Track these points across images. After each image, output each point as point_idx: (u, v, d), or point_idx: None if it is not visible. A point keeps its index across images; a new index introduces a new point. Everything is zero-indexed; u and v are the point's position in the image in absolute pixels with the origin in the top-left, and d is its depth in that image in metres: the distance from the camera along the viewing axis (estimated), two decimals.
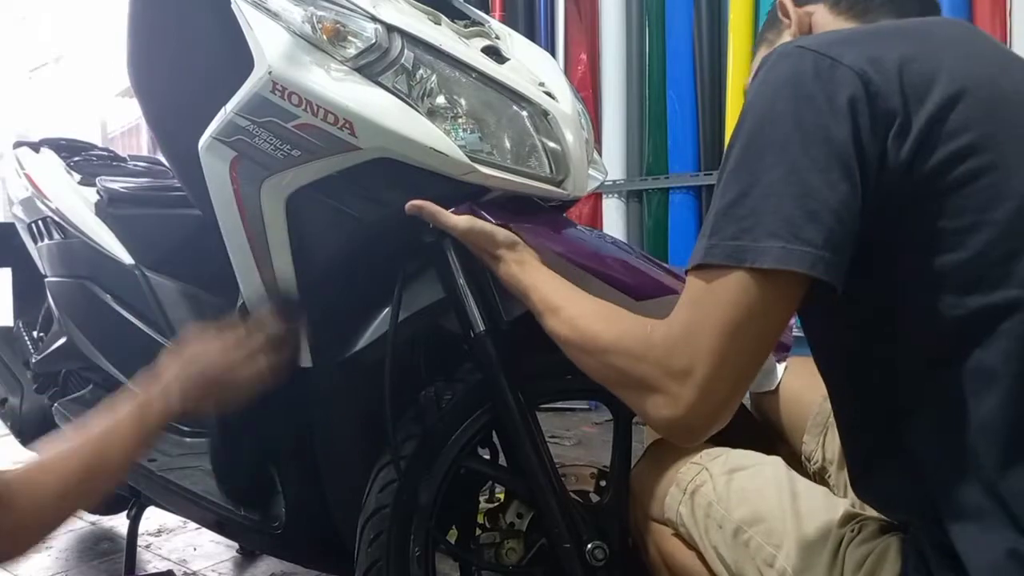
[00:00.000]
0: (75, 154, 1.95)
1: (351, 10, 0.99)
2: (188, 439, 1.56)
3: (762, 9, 2.84)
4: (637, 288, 0.97)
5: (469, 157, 0.99)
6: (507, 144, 1.04)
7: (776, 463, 0.91)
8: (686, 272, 0.71)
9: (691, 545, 0.92)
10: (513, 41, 1.25)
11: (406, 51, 0.99)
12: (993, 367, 0.65)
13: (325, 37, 0.97)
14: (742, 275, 0.65)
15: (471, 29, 1.18)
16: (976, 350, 0.65)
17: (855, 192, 0.65)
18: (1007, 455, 0.65)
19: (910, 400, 0.70)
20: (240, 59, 0.98)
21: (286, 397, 1.14)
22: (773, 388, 1.14)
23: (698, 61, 3.05)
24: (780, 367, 1.13)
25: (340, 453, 1.15)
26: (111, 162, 2.00)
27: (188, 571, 1.83)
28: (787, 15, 0.88)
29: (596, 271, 0.97)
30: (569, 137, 1.08)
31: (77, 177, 1.79)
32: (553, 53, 3.25)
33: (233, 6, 1.01)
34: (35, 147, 1.96)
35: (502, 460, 1.15)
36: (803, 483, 0.88)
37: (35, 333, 2.07)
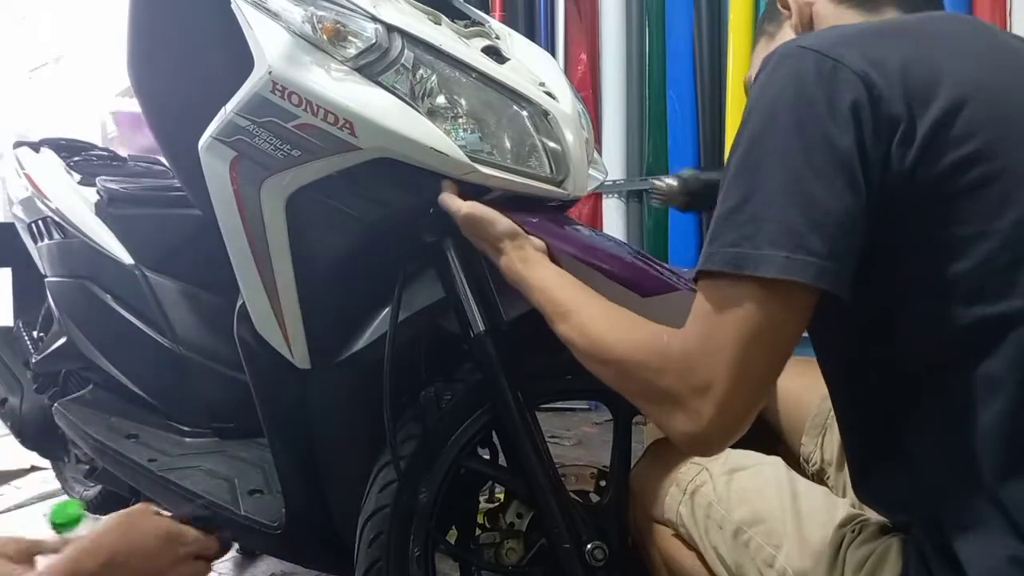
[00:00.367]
0: (75, 154, 1.95)
1: (351, 10, 0.99)
2: (188, 439, 1.57)
3: (762, 9, 2.83)
4: (642, 284, 0.95)
5: (469, 157, 0.99)
6: (507, 144, 1.04)
7: (776, 463, 0.91)
8: (694, 280, 0.70)
9: (691, 545, 0.92)
10: (513, 41, 1.25)
11: (406, 51, 0.99)
12: (997, 376, 0.64)
13: (325, 37, 0.97)
14: (750, 287, 0.64)
15: (471, 29, 1.18)
16: (979, 359, 0.65)
17: (859, 200, 0.64)
18: (1009, 463, 0.64)
19: (910, 405, 0.69)
20: (240, 59, 0.98)
21: (286, 397, 1.15)
22: None
23: (698, 61, 3.04)
24: None
25: (340, 453, 1.15)
26: (111, 162, 2.01)
27: None
28: (787, 6, 0.86)
29: (601, 268, 0.96)
30: (569, 137, 1.08)
31: (77, 177, 1.80)
32: (553, 53, 3.25)
33: (233, 6, 1.01)
34: (35, 147, 1.96)
35: (502, 460, 1.15)
36: (803, 483, 0.88)
37: (35, 333, 2.08)
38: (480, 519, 1.17)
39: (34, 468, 2.60)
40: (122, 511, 0.87)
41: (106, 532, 0.83)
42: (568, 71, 3.28)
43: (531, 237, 0.96)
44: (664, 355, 0.70)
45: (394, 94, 0.98)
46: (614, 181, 3.22)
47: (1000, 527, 0.64)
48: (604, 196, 3.30)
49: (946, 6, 0.87)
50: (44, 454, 2.14)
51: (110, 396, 1.66)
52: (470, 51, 1.07)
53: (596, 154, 1.28)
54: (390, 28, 0.99)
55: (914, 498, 0.70)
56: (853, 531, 0.78)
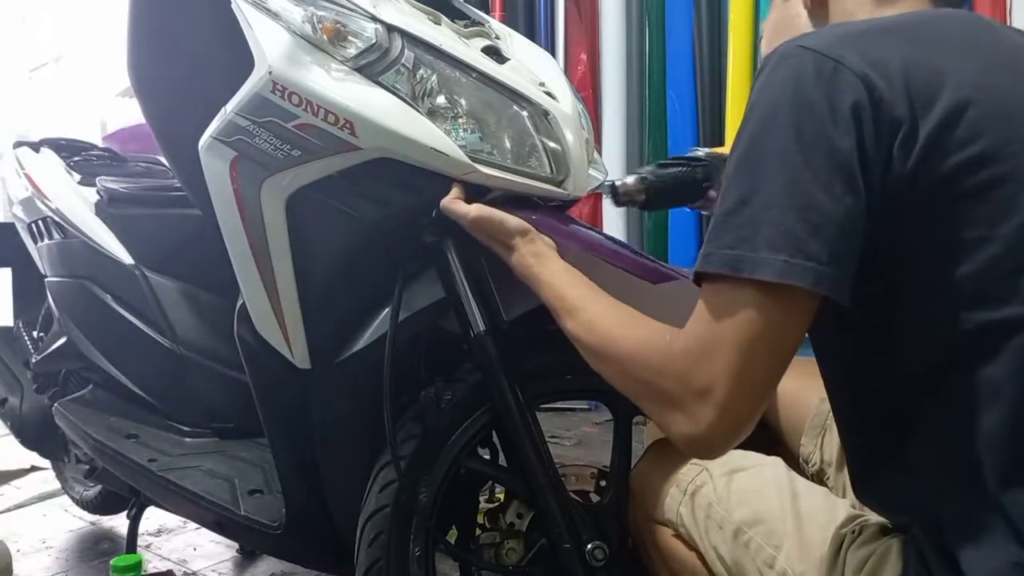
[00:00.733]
0: (75, 154, 1.95)
1: (351, 10, 0.99)
2: (188, 439, 1.56)
3: (762, 9, 2.83)
4: (650, 273, 0.95)
5: (469, 157, 0.99)
6: (507, 144, 1.04)
7: (776, 464, 0.91)
8: (694, 282, 0.70)
9: (691, 546, 0.92)
10: (513, 41, 1.25)
11: (406, 51, 0.99)
12: (998, 381, 0.64)
13: (325, 37, 0.97)
14: (750, 291, 0.64)
15: (471, 29, 1.18)
16: (981, 364, 0.64)
17: (860, 204, 0.63)
18: (1010, 469, 0.64)
19: (910, 408, 0.69)
20: (240, 59, 0.98)
21: (286, 397, 1.15)
22: None
23: (698, 61, 3.04)
24: None
25: (340, 453, 1.15)
26: (111, 162, 2.01)
27: (188, 571, 1.83)
28: None
29: (609, 260, 0.96)
30: (569, 137, 1.08)
31: (77, 177, 1.80)
32: (553, 53, 3.24)
33: (233, 6, 1.01)
34: (35, 147, 1.96)
35: (502, 460, 1.15)
36: (803, 484, 0.88)
37: (35, 333, 2.08)
38: (480, 519, 1.17)
39: (34, 468, 2.60)
40: None
41: None
42: (568, 71, 3.28)
43: (541, 234, 0.95)
44: (667, 354, 0.70)
45: (394, 94, 0.98)
46: None
47: (1002, 533, 0.63)
48: (604, 196, 3.29)
49: None
50: (44, 454, 2.15)
51: (110, 396, 1.66)
52: (470, 51, 1.07)
53: (596, 154, 1.28)
54: (390, 28, 0.99)
55: (914, 501, 0.70)
56: (853, 532, 0.78)
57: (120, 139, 4.04)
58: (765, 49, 0.91)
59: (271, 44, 0.97)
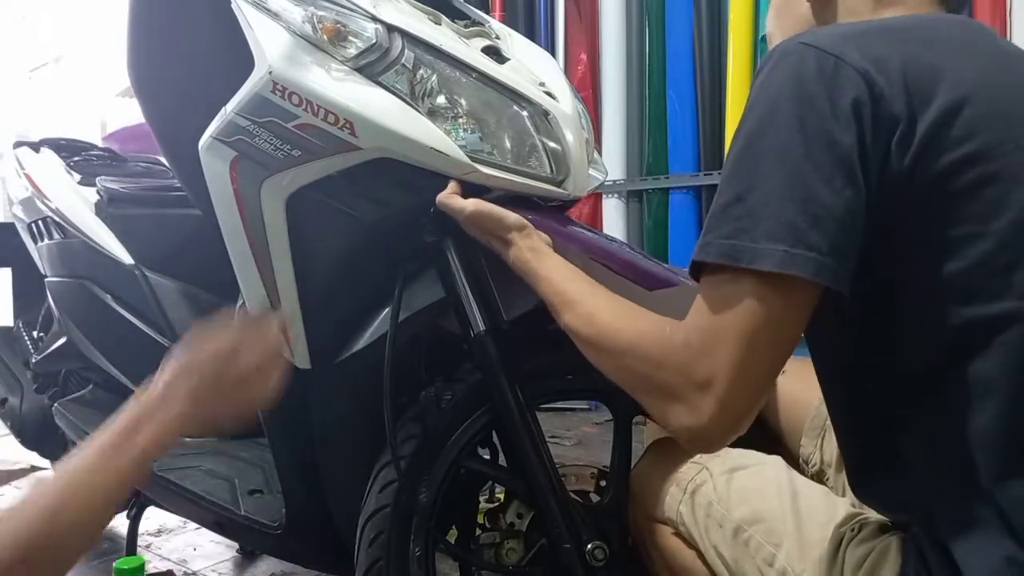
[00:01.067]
0: (75, 154, 1.95)
1: (351, 10, 0.99)
2: (188, 439, 1.56)
3: (762, 9, 2.84)
4: (647, 279, 0.95)
5: (470, 157, 0.99)
6: (507, 144, 1.04)
7: (776, 462, 0.91)
8: (690, 272, 0.70)
9: (691, 544, 0.92)
10: (513, 41, 1.25)
11: (406, 51, 0.99)
12: (991, 377, 0.64)
13: (326, 37, 0.97)
14: (750, 282, 0.64)
15: (471, 29, 1.18)
16: (974, 360, 0.65)
17: (860, 199, 0.63)
18: (1005, 465, 0.64)
19: (906, 407, 0.69)
20: (240, 59, 0.98)
21: (286, 397, 1.15)
22: None
23: (698, 61, 3.05)
24: None
25: (340, 453, 1.15)
26: (111, 162, 2.01)
27: (188, 571, 1.83)
28: None
29: (606, 263, 0.96)
30: (569, 137, 1.08)
31: (77, 177, 1.80)
32: (553, 53, 3.25)
33: (233, 6, 1.01)
34: (35, 147, 1.96)
35: (502, 460, 1.15)
36: (803, 482, 0.88)
37: (35, 333, 2.08)
38: (480, 519, 1.17)
39: (34, 468, 2.60)
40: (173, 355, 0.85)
41: (170, 379, 0.82)
42: (568, 71, 3.28)
43: (538, 231, 0.95)
44: (666, 346, 0.70)
45: (394, 94, 0.98)
46: (614, 181, 3.22)
47: (997, 529, 0.64)
48: (604, 196, 3.30)
49: None
50: (44, 454, 2.15)
51: (110, 396, 1.67)
52: (470, 51, 1.07)
53: (596, 154, 1.28)
54: (390, 28, 0.99)
55: (911, 499, 0.70)
56: (853, 530, 0.78)
57: (120, 139, 4.05)
58: (768, 28, 0.91)
59: (271, 44, 0.97)
